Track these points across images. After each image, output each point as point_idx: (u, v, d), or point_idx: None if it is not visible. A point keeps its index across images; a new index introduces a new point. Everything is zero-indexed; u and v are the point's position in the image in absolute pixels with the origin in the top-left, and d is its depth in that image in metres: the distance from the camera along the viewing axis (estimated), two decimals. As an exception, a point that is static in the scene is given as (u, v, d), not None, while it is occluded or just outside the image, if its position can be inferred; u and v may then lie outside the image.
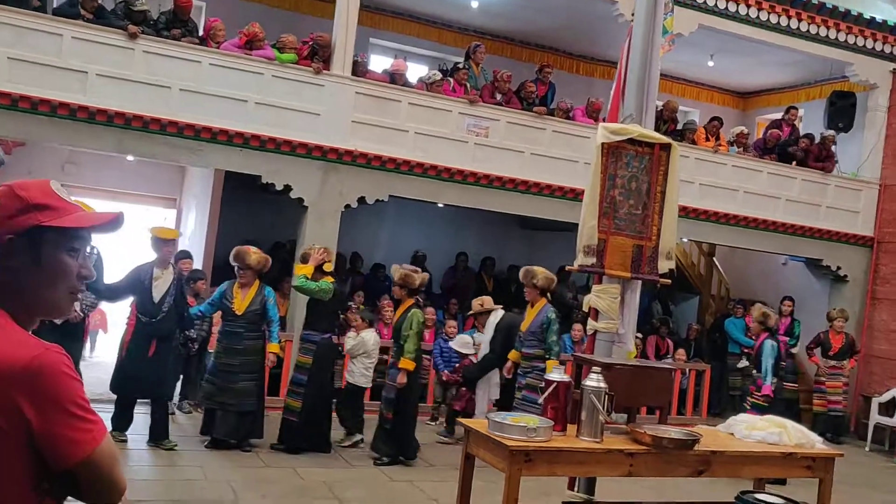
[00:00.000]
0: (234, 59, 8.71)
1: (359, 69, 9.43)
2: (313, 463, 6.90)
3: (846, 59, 11.67)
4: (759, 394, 7.91)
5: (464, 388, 8.55)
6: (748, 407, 7.66)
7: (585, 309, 5.35)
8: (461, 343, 8.95)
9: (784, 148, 11.79)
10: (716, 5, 10.68)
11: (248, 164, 8.86)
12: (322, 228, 9.14)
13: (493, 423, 4.38)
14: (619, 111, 5.35)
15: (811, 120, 12.88)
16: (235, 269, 7.11)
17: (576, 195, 9.73)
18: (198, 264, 9.53)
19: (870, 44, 11.66)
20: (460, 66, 10.36)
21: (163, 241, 6.89)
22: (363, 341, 7.64)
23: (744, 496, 4.45)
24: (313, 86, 9.03)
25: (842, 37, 11.45)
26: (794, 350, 11.39)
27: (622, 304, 5.20)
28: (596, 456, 4.38)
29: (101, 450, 1.50)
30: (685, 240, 12.41)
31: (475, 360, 8.51)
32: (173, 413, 7.61)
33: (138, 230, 7.34)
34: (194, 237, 11.19)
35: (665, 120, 10.79)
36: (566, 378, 4.61)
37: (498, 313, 8.31)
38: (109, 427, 6.45)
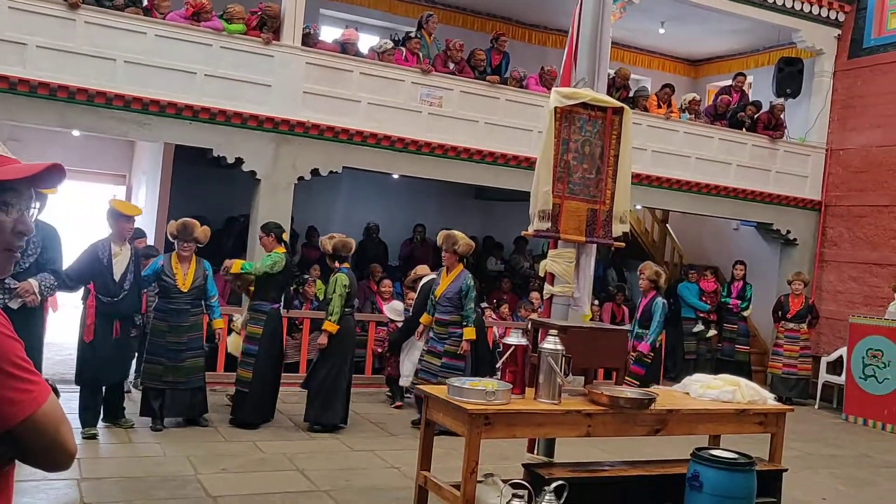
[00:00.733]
0: (181, 30, 8.51)
1: (309, 40, 9.29)
2: (273, 436, 6.88)
3: (793, 25, 11.84)
4: (638, 350, 7.89)
5: (389, 354, 8.66)
6: (631, 362, 7.70)
7: (542, 273, 5.37)
8: (392, 309, 9.07)
9: (735, 114, 11.95)
10: (666, -28, 10.73)
11: (199, 137, 8.69)
12: (275, 202, 9.04)
13: (452, 387, 4.40)
14: (572, 76, 5.34)
15: (760, 86, 13.07)
16: (178, 243, 6.82)
17: (531, 164, 9.67)
18: (149, 241, 9.37)
19: (815, 10, 11.83)
20: (412, 35, 10.27)
21: (124, 216, 6.51)
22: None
23: (699, 452, 4.54)
24: (263, 57, 8.88)
25: (789, 3, 11.61)
26: (745, 313, 11.64)
27: (577, 268, 5.23)
28: (555, 417, 4.43)
29: (43, 411, 1.45)
30: (638, 207, 12.55)
31: None
32: (129, 391, 7.48)
33: (88, 209, 7.10)
34: (145, 214, 10.87)
35: (617, 87, 10.84)
36: (523, 341, 4.64)
37: (428, 278, 8.19)
38: (77, 424, 6.30)
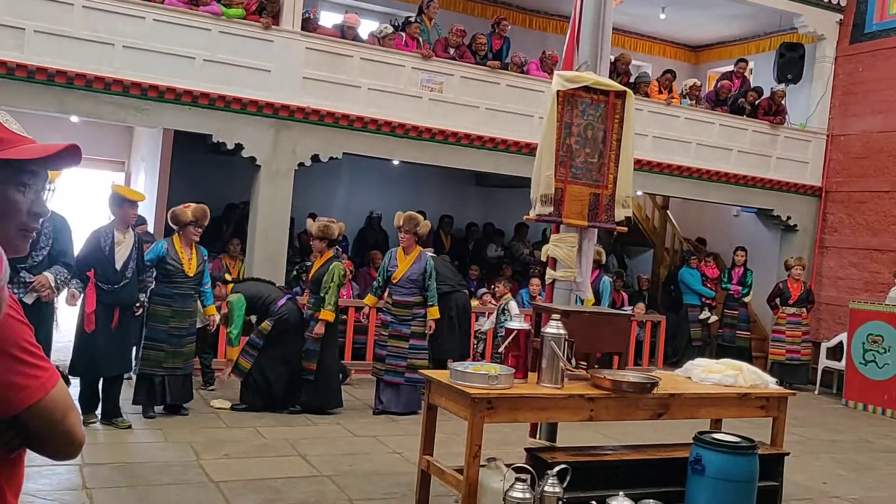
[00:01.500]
0: (180, 14, 8.45)
1: (309, 25, 9.24)
2: (275, 422, 6.88)
3: (794, 10, 11.78)
4: None
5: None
6: None
7: (544, 258, 5.36)
8: None
9: (735, 100, 11.91)
10: (667, -43, 10.66)
11: (198, 122, 8.66)
12: (275, 188, 9.02)
13: (454, 372, 4.40)
14: (574, 59, 5.31)
15: (761, 72, 13.01)
16: (192, 227, 6.71)
17: (531, 150, 9.64)
18: (149, 229, 9.35)
19: (817, -6, 11.78)
20: (412, 20, 10.21)
21: (128, 202, 6.37)
22: None
23: (701, 436, 4.54)
24: (262, 42, 8.83)
25: (790, -13, 11.56)
26: (746, 299, 11.64)
27: (580, 252, 5.22)
28: (557, 402, 4.43)
29: (51, 397, 1.43)
30: (639, 193, 12.52)
31: None
32: (130, 378, 7.43)
33: (88, 195, 7.01)
34: (144, 200, 10.92)
35: (619, 73, 10.80)
36: (526, 326, 4.64)
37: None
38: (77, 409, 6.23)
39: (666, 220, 14.47)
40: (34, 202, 1.50)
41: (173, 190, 10.25)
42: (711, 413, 5.26)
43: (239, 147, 8.84)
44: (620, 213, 5.31)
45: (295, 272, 9.41)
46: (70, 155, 1.49)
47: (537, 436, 5.17)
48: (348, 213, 11.52)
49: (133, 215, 6.54)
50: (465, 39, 10.17)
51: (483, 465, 4.30)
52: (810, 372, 11.06)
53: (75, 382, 6.34)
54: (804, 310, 10.99)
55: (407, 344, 7.46)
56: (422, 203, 12.57)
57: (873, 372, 9.81)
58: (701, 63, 14.86)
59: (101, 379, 6.40)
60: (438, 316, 7.64)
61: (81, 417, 1.34)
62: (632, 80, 11.29)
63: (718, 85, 12.18)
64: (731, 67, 12.83)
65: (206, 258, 6.97)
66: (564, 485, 4.18)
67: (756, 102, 11.90)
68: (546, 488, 4.14)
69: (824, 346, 11.13)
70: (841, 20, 12.02)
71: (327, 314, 7.15)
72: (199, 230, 6.80)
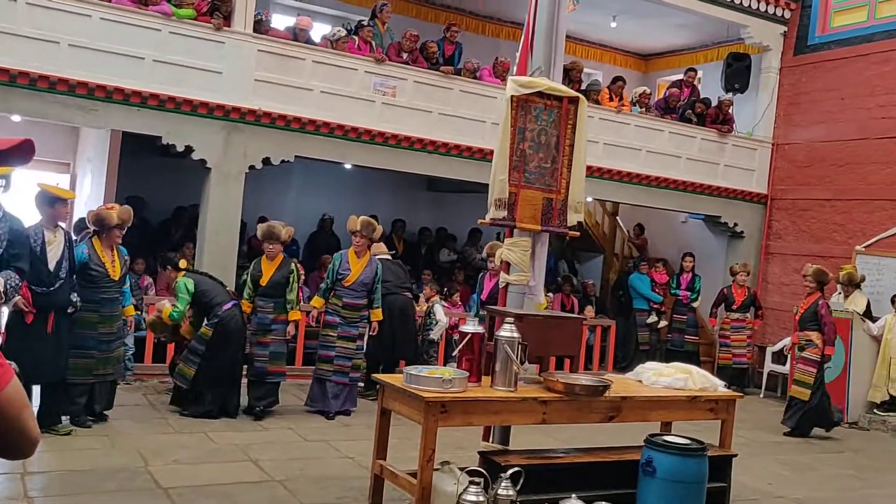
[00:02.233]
0: (128, 13, 8.29)
1: (261, 27, 9.14)
2: (226, 427, 6.78)
3: (741, 21, 12.05)
4: None
5: None
6: None
7: (497, 263, 5.38)
8: None
9: (685, 110, 12.12)
10: (618, -34, 10.81)
11: (147, 124, 8.49)
12: (226, 191, 8.89)
13: (408, 375, 4.39)
14: (528, 65, 5.35)
15: (709, 81, 13.27)
16: (117, 230, 6.50)
17: (483, 155, 9.77)
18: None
19: (763, 7, 12.06)
20: (365, 24, 10.18)
21: (60, 200, 6.09)
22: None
23: (653, 438, 4.60)
24: (214, 43, 8.71)
25: (737, -1, 11.83)
26: (694, 304, 11.83)
27: (533, 256, 5.25)
28: (511, 405, 4.45)
29: (6, 394, 1.39)
30: (589, 199, 12.66)
31: None
32: (128, 383, 7.22)
33: (27, 198, 6.70)
34: (90, 203, 10.68)
35: (571, 80, 10.90)
36: (480, 329, 4.65)
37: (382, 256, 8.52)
38: None
39: (615, 226, 14.66)
40: None
41: (121, 192, 10.02)
42: (662, 416, 5.34)
43: (189, 149, 8.70)
44: (573, 218, 5.36)
45: (245, 278, 9.25)
46: (22, 150, 1.45)
47: (490, 439, 5.17)
48: (300, 216, 11.42)
49: (65, 213, 6.32)
50: (418, 44, 10.18)
51: (437, 469, 4.29)
52: (755, 376, 11.28)
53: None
54: (748, 314, 11.22)
55: (354, 345, 7.60)
56: (374, 207, 12.51)
57: (816, 375, 10.02)
58: (650, 71, 15.10)
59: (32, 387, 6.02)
60: (382, 317, 7.86)
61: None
62: (583, 87, 11.41)
63: (668, 93, 12.39)
64: (679, 76, 13.06)
65: (127, 259, 6.76)
66: (518, 488, 4.19)
67: (703, 112, 12.13)
68: (500, 491, 4.15)
69: (769, 350, 11.37)
70: (785, 32, 12.34)
71: (296, 314, 7.40)
72: (120, 232, 6.58)
